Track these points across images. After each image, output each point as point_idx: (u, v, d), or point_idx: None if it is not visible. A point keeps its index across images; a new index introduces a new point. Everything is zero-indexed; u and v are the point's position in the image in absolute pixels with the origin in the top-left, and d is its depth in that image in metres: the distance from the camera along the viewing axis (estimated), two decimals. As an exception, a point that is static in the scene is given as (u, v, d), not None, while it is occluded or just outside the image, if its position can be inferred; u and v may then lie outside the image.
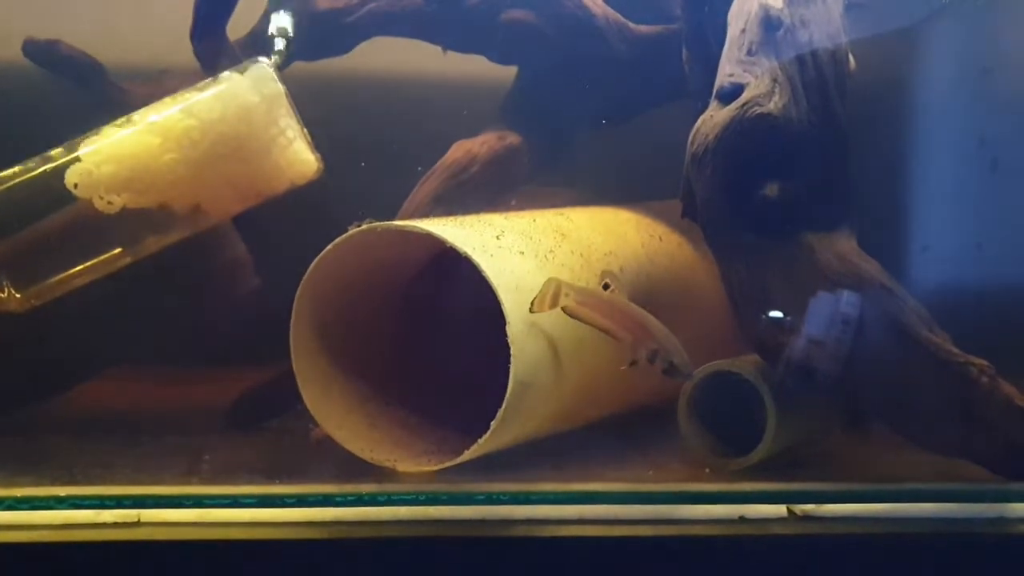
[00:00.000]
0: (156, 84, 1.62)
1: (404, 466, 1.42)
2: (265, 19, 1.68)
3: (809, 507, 1.36)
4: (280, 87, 1.52)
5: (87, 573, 1.23)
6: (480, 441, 1.37)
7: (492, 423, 1.36)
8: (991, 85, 1.75)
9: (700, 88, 1.52)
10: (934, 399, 1.40)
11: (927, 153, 1.74)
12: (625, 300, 1.40)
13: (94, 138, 1.50)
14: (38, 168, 1.49)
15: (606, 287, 1.41)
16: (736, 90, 1.45)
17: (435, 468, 1.40)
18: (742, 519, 1.35)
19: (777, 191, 1.45)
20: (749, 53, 1.47)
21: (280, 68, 1.54)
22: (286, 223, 1.58)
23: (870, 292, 1.42)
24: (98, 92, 1.72)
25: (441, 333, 1.58)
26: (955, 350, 1.40)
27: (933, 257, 1.70)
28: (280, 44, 1.55)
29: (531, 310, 1.37)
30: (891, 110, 1.75)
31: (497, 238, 1.45)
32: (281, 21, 1.59)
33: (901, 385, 1.41)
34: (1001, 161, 1.77)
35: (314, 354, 1.47)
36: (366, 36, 1.73)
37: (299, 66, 1.64)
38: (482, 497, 1.34)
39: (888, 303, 1.42)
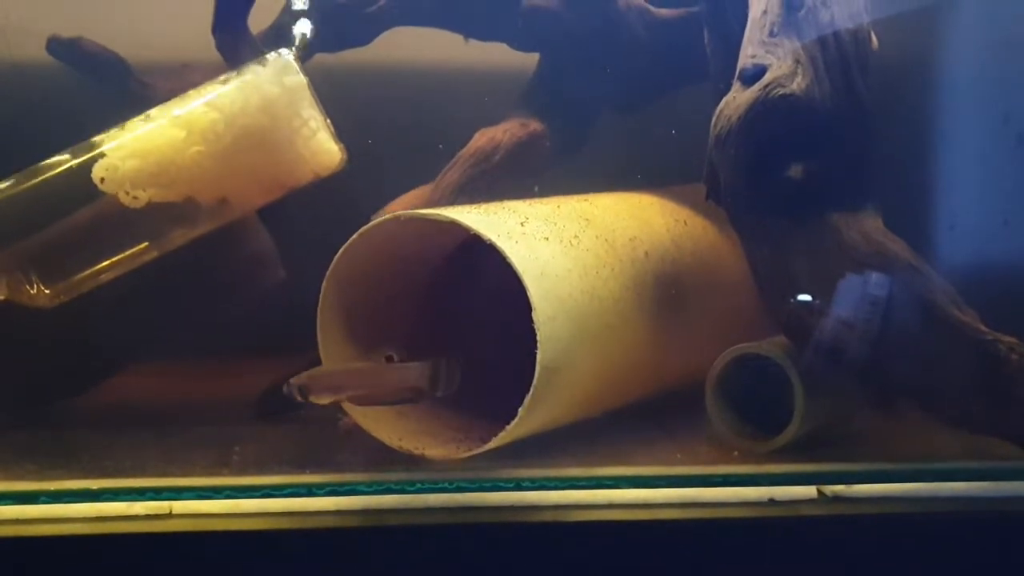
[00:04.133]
0: (179, 78, 1.62)
1: (432, 454, 1.43)
2: (286, 11, 1.68)
3: (839, 488, 1.36)
4: (302, 78, 1.52)
5: (120, 565, 1.24)
6: (508, 428, 1.37)
7: (520, 410, 1.36)
8: (1014, 59, 1.73)
9: (722, 70, 1.51)
10: (963, 377, 1.39)
11: (951, 131, 1.73)
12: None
13: (118, 133, 1.50)
14: (64, 164, 1.49)
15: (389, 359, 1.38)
16: (758, 71, 1.45)
17: (463, 455, 1.41)
18: (772, 501, 1.34)
19: (801, 172, 1.45)
20: (771, 34, 1.46)
21: (302, 59, 1.54)
22: (311, 214, 1.58)
23: (897, 271, 1.41)
24: (122, 88, 1.73)
25: (467, 320, 1.59)
26: (983, 328, 1.39)
27: (960, 235, 1.69)
28: (302, 33, 1.56)
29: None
30: (914, 88, 1.74)
31: (521, 224, 1.44)
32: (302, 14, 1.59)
33: (930, 364, 1.40)
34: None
35: (341, 344, 1.47)
36: (387, 26, 1.74)
37: (321, 57, 1.65)
38: (510, 484, 1.34)
39: (915, 282, 1.41)
